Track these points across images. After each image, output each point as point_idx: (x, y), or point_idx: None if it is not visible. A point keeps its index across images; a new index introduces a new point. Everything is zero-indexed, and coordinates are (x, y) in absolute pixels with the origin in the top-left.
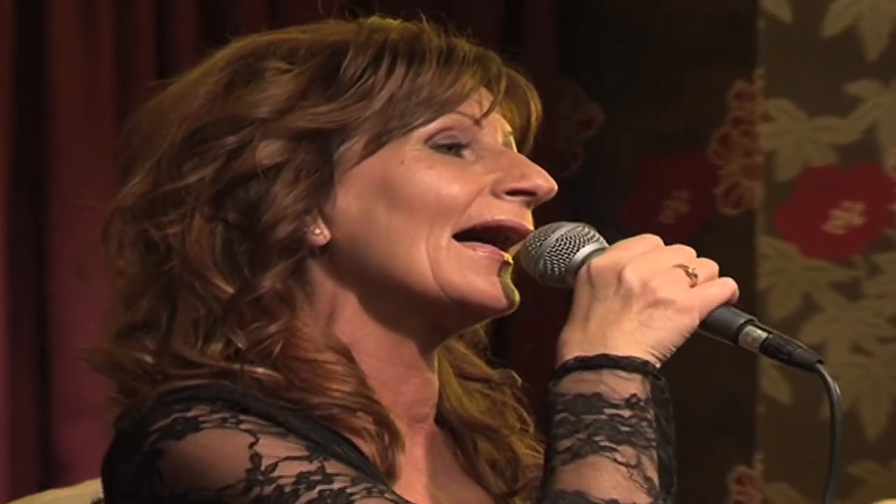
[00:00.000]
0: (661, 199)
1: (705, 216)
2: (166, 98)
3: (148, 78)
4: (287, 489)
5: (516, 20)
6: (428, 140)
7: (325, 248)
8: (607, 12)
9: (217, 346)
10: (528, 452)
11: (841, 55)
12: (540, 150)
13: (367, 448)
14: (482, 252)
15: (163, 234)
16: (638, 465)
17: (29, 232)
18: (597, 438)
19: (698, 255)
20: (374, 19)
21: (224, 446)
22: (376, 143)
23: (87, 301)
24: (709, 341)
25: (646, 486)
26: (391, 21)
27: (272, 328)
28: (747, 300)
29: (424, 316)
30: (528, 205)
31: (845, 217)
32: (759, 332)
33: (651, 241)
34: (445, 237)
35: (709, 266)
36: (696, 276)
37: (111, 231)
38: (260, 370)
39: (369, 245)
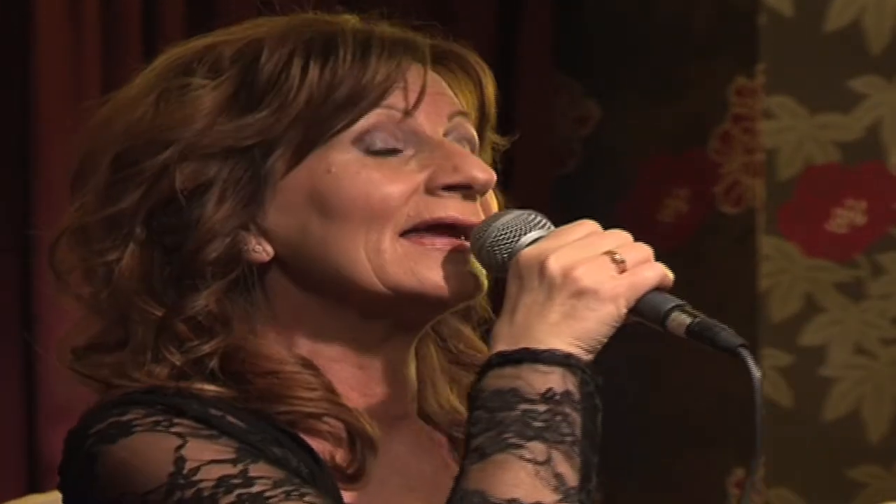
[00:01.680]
0: (660, 197)
1: (705, 215)
2: (103, 116)
3: (135, 67)
4: (206, 493)
5: (513, 17)
6: (355, 141)
7: (272, 263)
8: (606, 8)
9: (164, 370)
10: None
11: (844, 50)
12: (537, 147)
13: (329, 452)
14: (431, 244)
15: (103, 261)
16: (547, 462)
17: (13, 230)
18: (506, 435)
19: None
20: (299, 15)
21: (151, 450)
22: (301, 153)
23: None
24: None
25: (553, 483)
26: (312, 16)
27: (207, 347)
28: (748, 301)
29: (383, 317)
30: (469, 197)
31: (848, 216)
32: (685, 316)
33: (586, 227)
34: (387, 239)
35: (640, 251)
36: (623, 262)
37: (57, 258)
38: (209, 387)
39: (310, 258)
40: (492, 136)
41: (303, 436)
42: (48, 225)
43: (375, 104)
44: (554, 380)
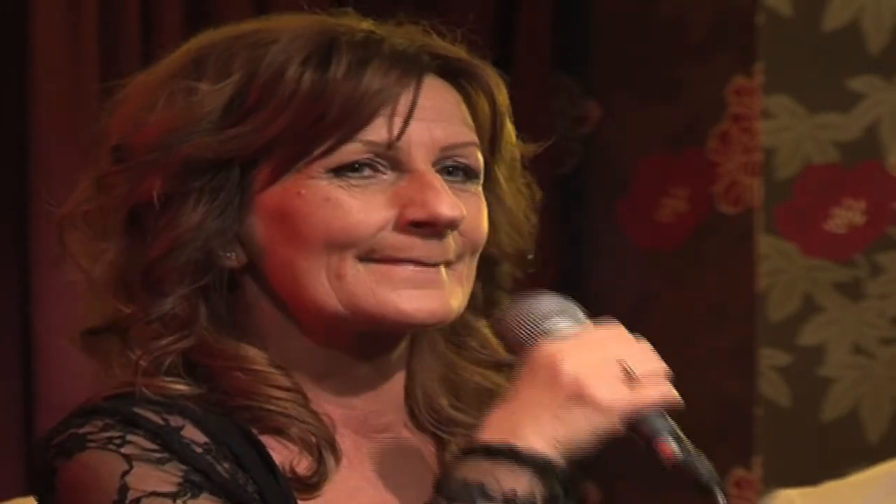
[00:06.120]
0: (658, 197)
1: (704, 215)
2: (124, 94)
3: (132, 68)
4: None
5: (511, 14)
6: (331, 169)
7: (246, 269)
8: (604, 7)
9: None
10: None
11: (842, 50)
12: (535, 146)
13: (290, 460)
14: (398, 270)
15: (91, 249)
16: None
17: (12, 229)
18: None
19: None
20: (314, 18)
21: (99, 472)
22: (279, 172)
23: (72, 301)
24: (705, 344)
25: None
26: (324, 21)
27: (173, 347)
28: (746, 301)
29: (349, 337)
30: (436, 235)
31: (847, 216)
32: (674, 445)
33: (609, 332)
34: (348, 263)
35: (652, 365)
36: (633, 374)
37: (64, 240)
38: (177, 386)
39: (277, 274)
40: (514, 149)
41: (266, 440)
42: (45, 224)
43: (358, 130)
44: (522, 482)
